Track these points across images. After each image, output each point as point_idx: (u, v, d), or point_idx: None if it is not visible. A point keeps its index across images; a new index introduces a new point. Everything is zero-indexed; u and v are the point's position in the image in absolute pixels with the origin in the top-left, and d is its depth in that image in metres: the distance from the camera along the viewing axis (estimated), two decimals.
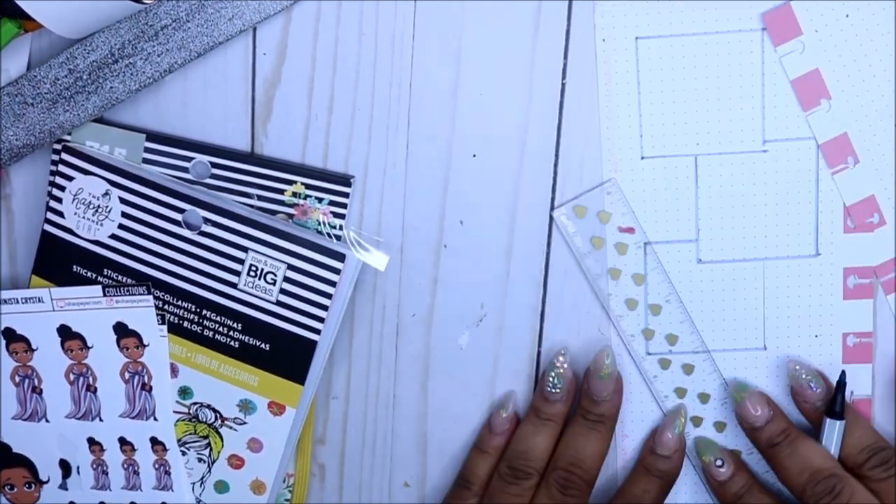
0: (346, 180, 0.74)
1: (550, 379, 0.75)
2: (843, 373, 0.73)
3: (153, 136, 0.74)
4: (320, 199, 0.74)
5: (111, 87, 0.73)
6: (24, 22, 0.71)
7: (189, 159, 0.74)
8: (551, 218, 0.75)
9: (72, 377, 0.76)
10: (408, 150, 0.75)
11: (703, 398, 0.77)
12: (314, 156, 0.75)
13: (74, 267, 0.75)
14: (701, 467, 0.76)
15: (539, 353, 0.78)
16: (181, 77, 0.75)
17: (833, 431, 0.72)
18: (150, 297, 0.73)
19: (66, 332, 0.75)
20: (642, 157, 0.73)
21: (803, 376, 0.73)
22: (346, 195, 0.75)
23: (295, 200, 0.74)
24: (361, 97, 0.74)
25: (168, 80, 0.75)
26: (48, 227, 0.74)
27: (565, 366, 0.75)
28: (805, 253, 0.73)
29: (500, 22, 0.72)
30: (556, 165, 0.75)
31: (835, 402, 0.72)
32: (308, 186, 0.75)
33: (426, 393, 0.79)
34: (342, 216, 0.75)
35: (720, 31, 0.71)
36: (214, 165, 0.74)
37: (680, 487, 0.78)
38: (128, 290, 0.74)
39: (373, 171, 0.75)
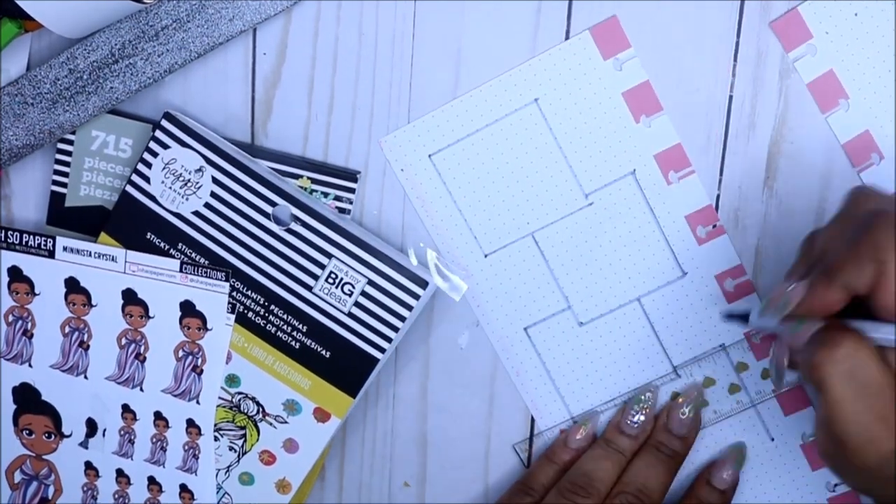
0: (352, 175, 0.75)
1: (632, 414, 0.76)
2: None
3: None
4: (326, 194, 0.74)
5: (111, 88, 0.72)
6: (25, 22, 0.71)
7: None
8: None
9: (123, 342, 0.75)
10: None
11: None
12: (314, 156, 0.75)
13: (149, 234, 0.74)
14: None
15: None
16: (181, 77, 0.75)
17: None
18: (227, 284, 0.73)
19: (130, 297, 0.74)
20: (485, 256, 0.75)
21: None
22: (352, 190, 0.75)
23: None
24: (361, 97, 0.74)
25: (168, 80, 0.75)
26: (130, 189, 0.74)
27: (650, 405, 0.76)
28: (672, 277, 0.74)
29: (500, 22, 0.73)
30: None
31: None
32: (314, 181, 0.74)
33: (426, 393, 0.80)
34: (348, 211, 0.75)
35: (499, 118, 0.72)
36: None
37: None
38: (205, 272, 0.73)
39: (373, 170, 0.75)
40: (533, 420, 0.79)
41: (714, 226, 0.74)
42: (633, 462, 0.76)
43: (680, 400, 0.76)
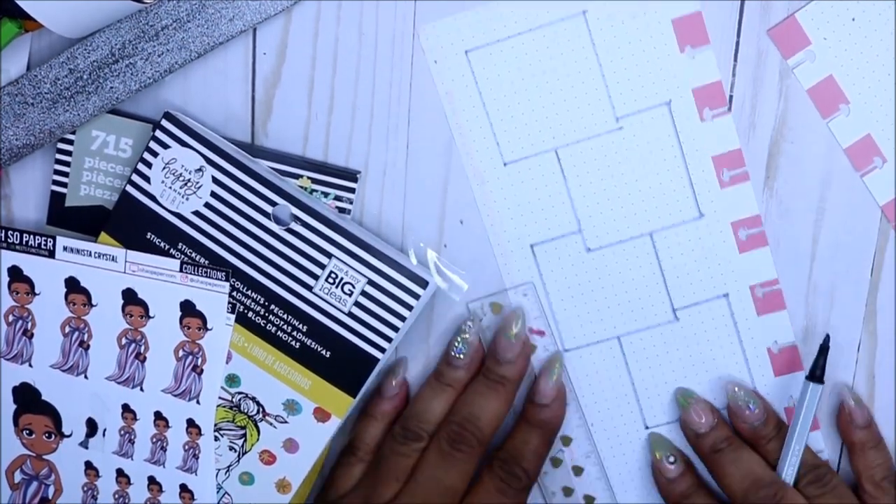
0: (352, 175, 0.75)
1: (456, 344, 0.75)
2: (827, 336, 0.74)
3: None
4: (326, 194, 0.74)
5: (111, 87, 0.72)
6: (25, 22, 0.71)
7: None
8: (467, 307, 0.77)
9: (123, 342, 0.75)
10: (408, 150, 0.75)
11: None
12: (314, 156, 0.75)
13: (149, 234, 0.74)
14: (651, 464, 0.77)
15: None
16: (181, 77, 0.75)
17: (815, 395, 0.73)
18: (227, 283, 0.73)
19: (130, 297, 0.74)
20: (505, 164, 0.74)
21: (741, 397, 0.75)
22: (353, 190, 0.75)
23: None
24: (361, 97, 0.74)
25: (168, 80, 0.75)
26: (130, 189, 0.74)
27: (472, 332, 0.75)
28: (689, 217, 0.74)
29: None
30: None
31: (816, 365, 0.73)
32: (314, 181, 0.74)
33: None
34: (348, 211, 0.75)
35: (544, 24, 0.71)
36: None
37: (629, 486, 0.79)
38: (205, 272, 0.73)
39: (373, 170, 0.75)
40: None
41: (739, 171, 0.74)
42: (465, 392, 0.76)
43: (505, 326, 0.75)
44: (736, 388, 0.75)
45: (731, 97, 0.73)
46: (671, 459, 0.76)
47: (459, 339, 0.75)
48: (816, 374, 0.73)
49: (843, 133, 0.73)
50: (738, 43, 0.72)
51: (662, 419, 0.78)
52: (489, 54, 0.73)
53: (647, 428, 0.78)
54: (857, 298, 0.75)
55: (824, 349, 0.73)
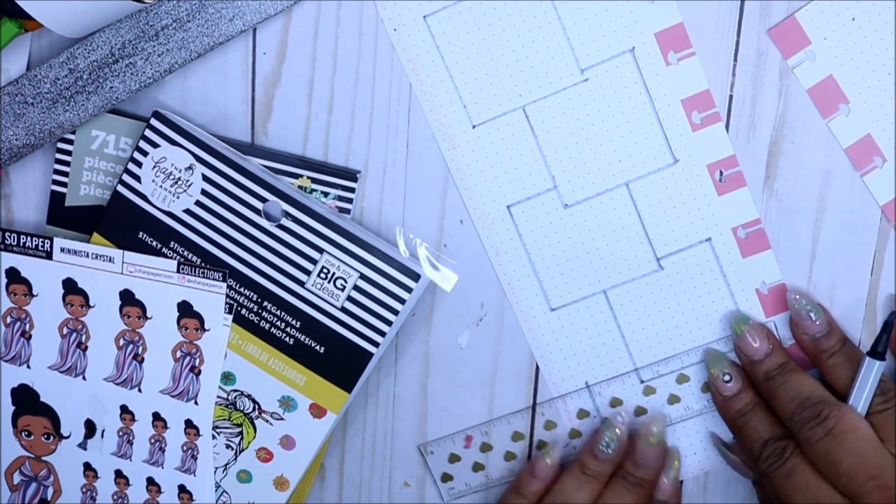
0: (352, 175, 0.75)
1: (605, 439, 0.75)
2: (893, 313, 0.71)
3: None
4: (326, 194, 0.74)
5: (111, 87, 0.72)
6: (25, 21, 0.71)
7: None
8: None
9: (121, 343, 0.75)
10: (408, 150, 0.75)
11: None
12: (314, 155, 0.75)
13: (141, 233, 0.74)
14: (708, 381, 0.76)
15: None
16: (181, 77, 0.75)
17: (871, 371, 0.70)
18: (224, 284, 0.73)
19: (128, 298, 0.74)
20: (473, 127, 0.73)
21: (804, 306, 0.73)
22: (353, 189, 0.75)
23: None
24: (361, 97, 0.74)
25: (168, 79, 0.75)
26: (121, 189, 0.74)
27: (623, 427, 0.75)
28: (663, 164, 0.72)
29: None
30: None
31: (878, 341, 0.71)
32: (314, 181, 0.74)
33: (426, 393, 0.79)
34: (348, 211, 0.75)
35: None
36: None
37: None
38: (202, 272, 0.73)
39: (373, 170, 0.75)
40: (533, 417, 0.78)
41: (710, 112, 0.73)
42: (604, 493, 0.76)
43: (645, 430, 0.75)
44: (797, 296, 0.73)
45: (731, 97, 0.72)
46: (727, 378, 0.74)
47: (609, 433, 0.75)
48: (878, 351, 0.71)
49: (843, 133, 0.72)
50: (738, 43, 0.72)
51: (656, 372, 0.77)
52: (447, 17, 0.72)
53: (641, 382, 0.77)
54: (857, 298, 0.75)
55: (888, 325, 0.71)
